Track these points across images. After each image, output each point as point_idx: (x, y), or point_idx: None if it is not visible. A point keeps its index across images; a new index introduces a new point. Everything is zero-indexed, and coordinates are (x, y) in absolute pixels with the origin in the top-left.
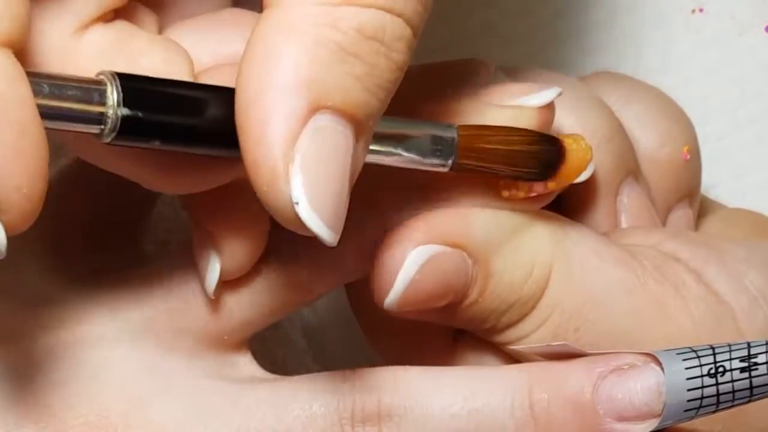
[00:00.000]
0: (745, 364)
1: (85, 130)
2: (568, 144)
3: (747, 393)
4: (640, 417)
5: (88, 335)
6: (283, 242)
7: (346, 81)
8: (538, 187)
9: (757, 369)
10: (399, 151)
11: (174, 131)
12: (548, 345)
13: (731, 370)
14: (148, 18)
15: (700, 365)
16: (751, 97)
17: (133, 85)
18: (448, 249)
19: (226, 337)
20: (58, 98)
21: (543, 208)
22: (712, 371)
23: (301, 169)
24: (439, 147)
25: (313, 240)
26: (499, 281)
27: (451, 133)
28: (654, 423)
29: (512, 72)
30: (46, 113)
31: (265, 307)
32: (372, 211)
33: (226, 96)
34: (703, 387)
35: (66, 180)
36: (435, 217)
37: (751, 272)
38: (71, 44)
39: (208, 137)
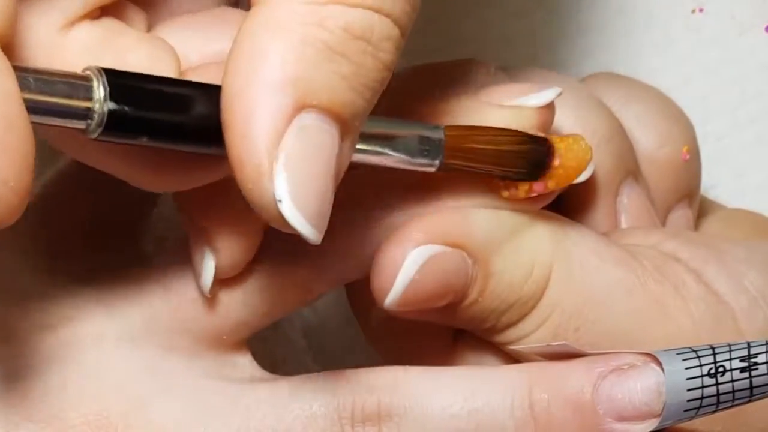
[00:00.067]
0: (745, 364)
1: (71, 126)
2: (557, 143)
3: (747, 393)
4: (640, 417)
5: (88, 335)
6: (282, 241)
7: (333, 80)
8: (538, 187)
9: (757, 369)
10: (386, 150)
11: (161, 127)
12: (548, 345)
13: (731, 370)
14: (137, 16)
15: (700, 365)
16: (751, 97)
17: (119, 81)
18: (448, 249)
19: (225, 337)
20: (44, 93)
21: (543, 208)
22: (712, 371)
23: (285, 167)
24: (426, 147)
25: None
26: (499, 281)
27: (439, 134)
28: (654, 423)
29: (512, 72)
30: (32, 108)
31: (264, 307)
32: (372, 211)
33: (213, 93)
34: (703, 387)
35: (66, 180)
36: (435, 217)
37: (751, 272)
38: (58, 40)
39: (195, 134)
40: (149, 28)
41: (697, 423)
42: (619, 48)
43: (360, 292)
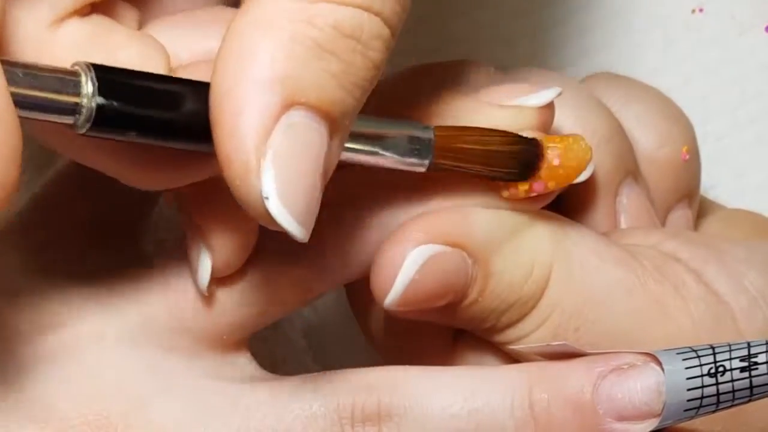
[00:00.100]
0: (745, 364)
1: (59, 121)
2: (557, 143)
3: (747, 393)
4: (640, 417)
5: (88, 335)
6: (281, 241)
7: (322, 78)
8: (538, 187)
9: (757, 369)
10: (376, 150)
11: (149, 123)
12: (548, 345)
13: (731, 369)
14: (129, 14)
15: (700, 365)
16: (751, 97)
17: (108, 76)
18: (448, 249)
19: (225, 337)
20: (32, 87)
21: (543, 208)
22: (712, 371)
23: (273, 164)
24: (416, 147)
25: (313, 239)
26: (499, 281)
27: (428, 134)
28: (654, 423)
29: (511, 72)
30: (20, 102)
31: (263, 307)
32: (372, 211)
33: (202, 90)
34: (703, 387)
35: (65, 180)
36: (435, 216)
37: (751, 272)
38: (47, 36)
39: (184, 130)
40: (141, 26)
41: (697, 423)
42: (619, 48)
43: (360, 292)
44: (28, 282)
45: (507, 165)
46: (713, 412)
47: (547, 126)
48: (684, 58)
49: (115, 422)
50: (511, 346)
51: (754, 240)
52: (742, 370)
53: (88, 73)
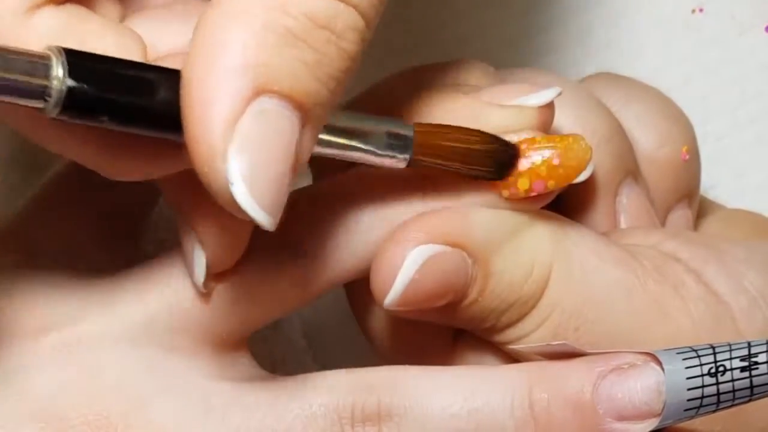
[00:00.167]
0: (745, 364)
1: (29, 104)
2: (557, 143)
3: (747, 392)
4: (640, 416)
5: (88, 335)
6: (281, 241)
7: (295, 66)
8: (538, 187)
9: (757, 368)
10: (355, 144)
11: (121, 108)
12: (548, 344)
13: (731, 369)
14: (109, 5)
15: (701, 365)
16: (751, 97)
17: (80, 60)
18: (448, 249)
19: (225, 337)
20: (2, 69)
21: (543, 208)
22: (713, 371)
23: (240, 149)
24: (396, 143)
25: (313, 238)
26: (499, 281)
27: (408, 131)
28: (654, 422)
29: (511, 72)
30: None
31: (263, 306)
32: (371, 211)
33: (176, 78)
34: (703, 386)
35: (66, 180)
36: (435, 216)
37: (751, 273)
38: (21, 23)
39: (156, 117)
40: (123, 19)
41: (697, 422)
42: (619, 48)
43: (360, 292)
44: (28, 282)
45: (485, 164)
46: (713, 411)
47: (547, 126)
48: (684, 58)
49: (115, 422)
50: (511, 346)
51: (754, 240)
52: (743, 369)
53: (60, 57)
